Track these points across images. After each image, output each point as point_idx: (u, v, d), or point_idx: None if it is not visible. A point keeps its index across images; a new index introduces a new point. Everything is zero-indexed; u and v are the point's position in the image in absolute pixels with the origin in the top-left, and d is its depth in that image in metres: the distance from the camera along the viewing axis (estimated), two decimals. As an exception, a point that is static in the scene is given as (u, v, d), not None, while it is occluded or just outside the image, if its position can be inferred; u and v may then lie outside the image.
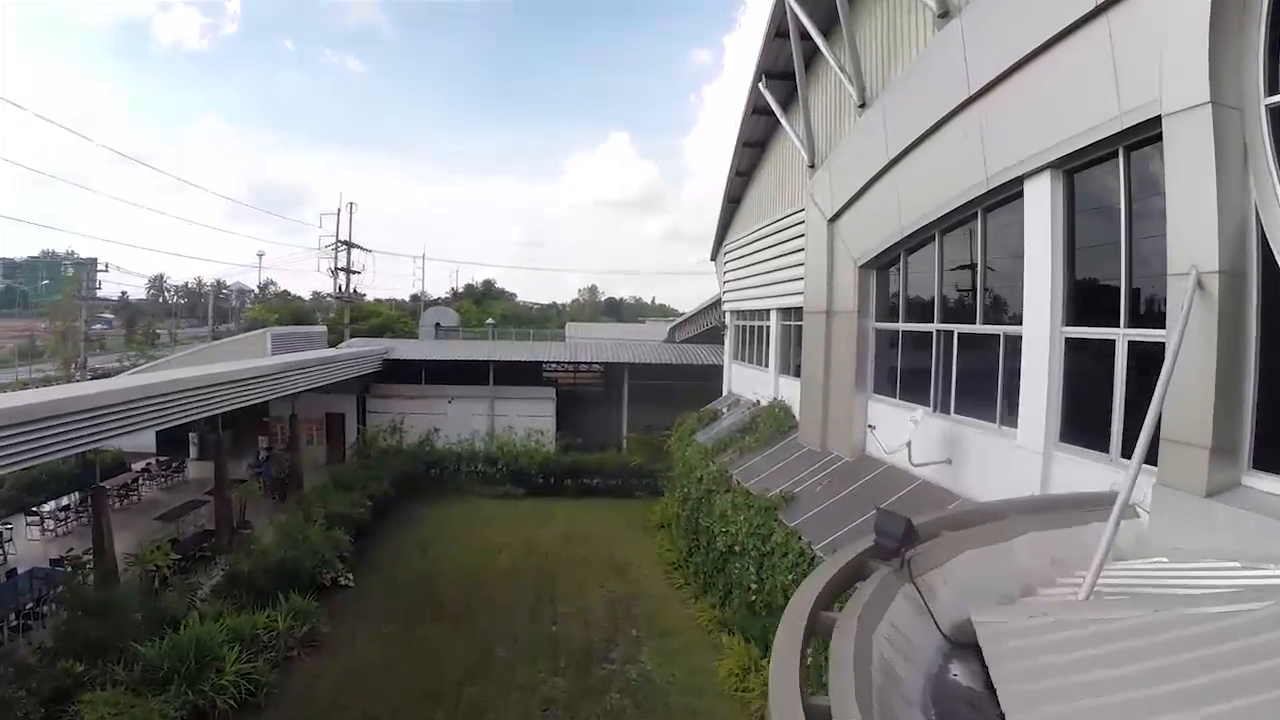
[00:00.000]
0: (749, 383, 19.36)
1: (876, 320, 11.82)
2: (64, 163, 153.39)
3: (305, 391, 21.13)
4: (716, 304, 24.23)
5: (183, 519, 19.02)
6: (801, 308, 14.84)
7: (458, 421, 25.87)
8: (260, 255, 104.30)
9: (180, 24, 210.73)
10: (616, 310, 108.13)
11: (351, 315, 57.54)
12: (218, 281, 77.17)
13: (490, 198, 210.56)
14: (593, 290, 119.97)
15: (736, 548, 12.21)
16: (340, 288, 31.08)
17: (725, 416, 19.03)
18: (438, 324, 39.28)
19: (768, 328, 17.78)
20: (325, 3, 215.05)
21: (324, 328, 32.05)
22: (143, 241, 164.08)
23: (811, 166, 13.70)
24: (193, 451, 28.56)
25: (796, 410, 15.23)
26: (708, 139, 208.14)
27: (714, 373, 25.70)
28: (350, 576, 15.85)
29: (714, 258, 23.23)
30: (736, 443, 16.08)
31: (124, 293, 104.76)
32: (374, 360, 25.33)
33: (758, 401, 18.18)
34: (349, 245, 31.21)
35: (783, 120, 14.49)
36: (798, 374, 15.67)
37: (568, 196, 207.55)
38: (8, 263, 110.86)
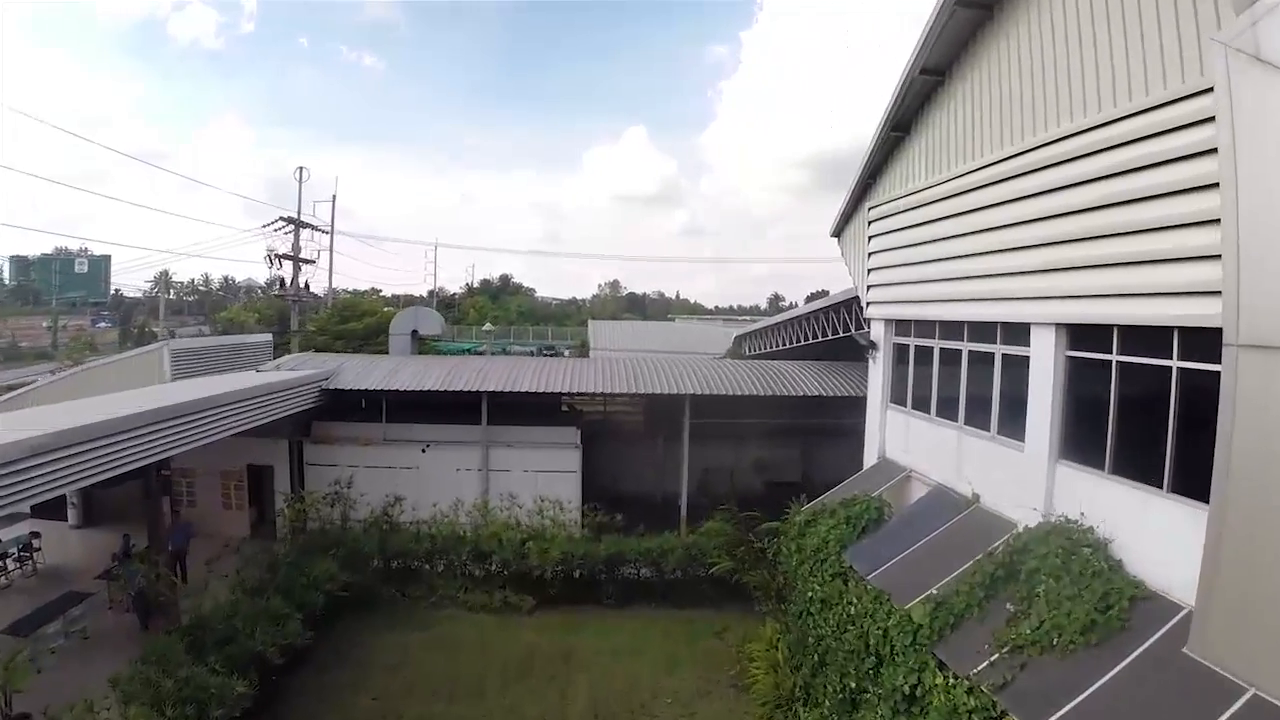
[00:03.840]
0: (946, 456, 10.52)
1: None
2: (77, 163, 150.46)
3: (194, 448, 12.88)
4: (839, 307, 15.50)
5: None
6: (1170, 327, 6.19)
7: (433, 482, 17.16)
8: (270, 253, 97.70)
9: (197, 23, 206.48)
10: (640, 306, 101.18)
11: (342, 314, 48.93)
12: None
13: (508, 193, 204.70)
14: (614, 285, 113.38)
15: None
16: (281, 281, 22.75)
17: (911, 524, 10.23)
18: (414, 331, 28.60)
19: (1014, 358, 9.05)
20: (341, 0, 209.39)
21: (268, 337, 23.69)
22: (155, 241, 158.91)
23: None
24: (71, 516, 20.40)
25: (1132, 558, 6.58)
26: (726, 131, 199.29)
27: (820, 409, 17.23)
28: None
29: (838, 233, 14.46)
30: (979, 610, 7.46)
31: (117, 290, 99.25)
32: (306, 392, 16.79)
33: (977, 497, 9.51)
34: (298, 224, 22.78)
35: None
36: (1126, 473, 6.98)
37: (586, 191, 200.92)
38: (20, 260, 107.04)
